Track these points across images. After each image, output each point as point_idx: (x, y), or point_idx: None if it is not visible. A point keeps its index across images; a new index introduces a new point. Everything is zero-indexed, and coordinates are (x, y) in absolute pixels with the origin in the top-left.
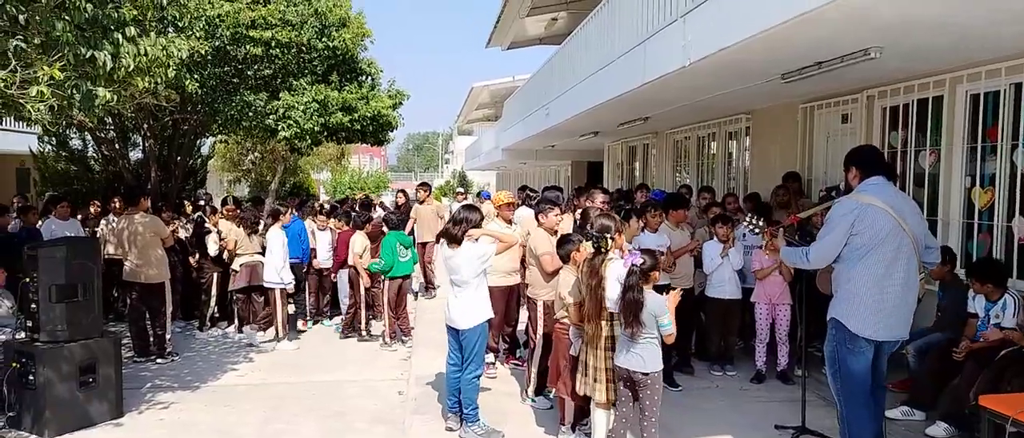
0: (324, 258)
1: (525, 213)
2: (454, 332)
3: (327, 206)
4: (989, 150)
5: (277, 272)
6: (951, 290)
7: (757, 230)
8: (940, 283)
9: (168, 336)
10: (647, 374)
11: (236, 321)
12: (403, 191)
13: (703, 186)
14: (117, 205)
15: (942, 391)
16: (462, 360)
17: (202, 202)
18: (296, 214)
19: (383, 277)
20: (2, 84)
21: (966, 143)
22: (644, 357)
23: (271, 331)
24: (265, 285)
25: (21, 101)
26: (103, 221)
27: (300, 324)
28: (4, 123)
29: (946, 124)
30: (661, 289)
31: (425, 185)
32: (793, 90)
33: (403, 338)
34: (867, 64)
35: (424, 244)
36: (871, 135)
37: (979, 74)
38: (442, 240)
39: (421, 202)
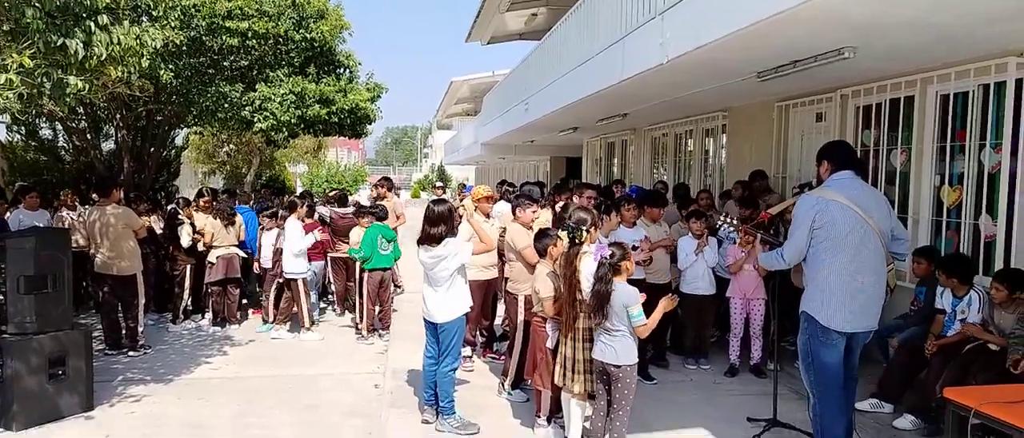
0: (265, 257)
1: (503, 208)
2: (432, 325)
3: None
4: (958, 149)
5: (296, 262)
6: (932, 288)
7: (732, 228)
8: (920, 280)
9: (140, 328)
10: (619, 366)
11: (210, 314)
12: (386, 178)
13: (678, 183)
14: (95, 197)
15: (911, 384)
16: (439, 353)
17: (174, 194)
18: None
19: (364, 269)
20: None
21: (936, 142)
22: (617, 349)
23: (282, 327)
24: (286, 276)
25: None
26: (72, 213)
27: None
28: None
29: (917, 124)
30: (637, 283)
31: (385, 180)
32: (769, 88)
33: (380, 332)
34: (841, 63)
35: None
36: (845, 133)
37: (949, 75)
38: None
39: (380, 198)
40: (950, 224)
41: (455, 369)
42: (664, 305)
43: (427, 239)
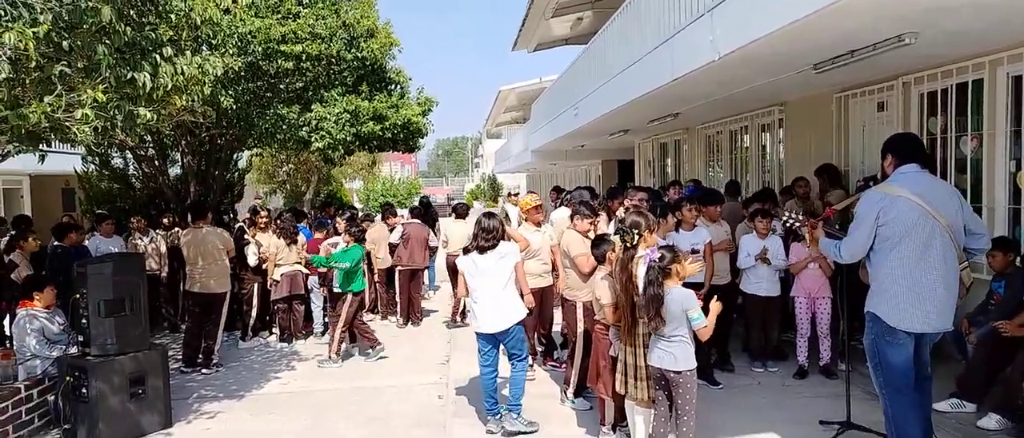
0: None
1: (560, 214)
2: (486, 337)
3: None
4: None
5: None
6: (1014, 280)
7: (798, 223)
8: (997, 273)
9: (217, 347)
10: (679, 372)
11: (277, 330)
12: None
13: (729, 181)
14: (166, 221)
15: (994, 382)
16: (510, 356)
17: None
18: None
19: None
20: (49, 109)
21: (1009, 126)
22: (676, 355)
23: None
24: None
25: (67, 124)
26: (145, 238)
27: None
28: (50, 145)
29: (987, 108)
30: (695, 287)
31: (388, 207)
32: (826, 80)
33: (368, 350)
34: (902, 50)
35: (383, 270)
36: (908, 122)
37: (1021, 55)
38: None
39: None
40: None
41: (525, 369)
42: (715, 308)
43: (485, 245)
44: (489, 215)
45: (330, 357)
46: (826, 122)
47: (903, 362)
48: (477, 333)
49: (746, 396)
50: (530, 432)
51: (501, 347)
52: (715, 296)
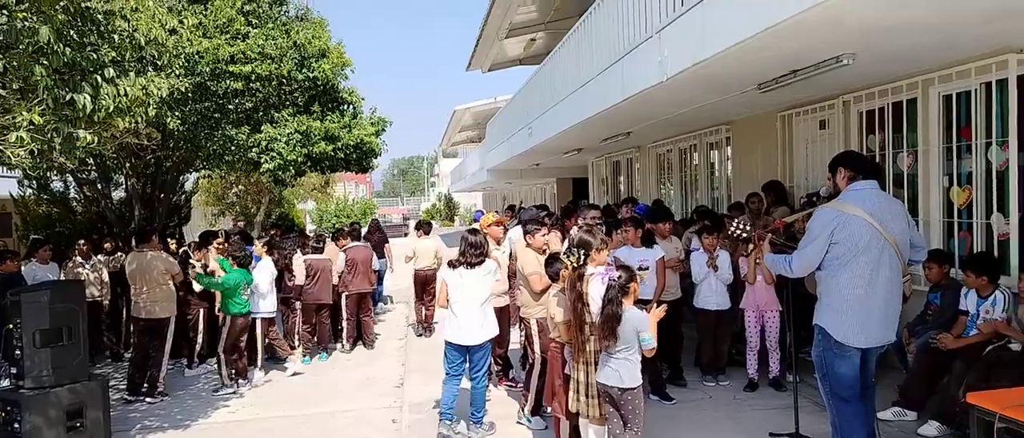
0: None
1: (516, 233)
2: (457, 348)
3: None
4: (965, 149)
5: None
6: (947, 291)
7: (745, 233)
8: (933, 285)
9: (161, 374)
10: (624, 390)
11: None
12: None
13: (734, 203)
14: (108, 246)
15: (933, 390)
16: (461, 372)
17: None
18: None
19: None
20: None
21: (942, 143)
22: (622, 373)
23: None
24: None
25: (1, 147)
26: (87, 264)
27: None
28: None
29: (921, 125)
30: (641, 304)
31: (340, 232)
32: (770, 99)
33: (242, 380)
34: (842, 70)
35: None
36: (849, 140)
37: (950, 75)
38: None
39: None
40: (962, 225)
41: (486, 383)
42: (657, 314)
43: (474, 261)
44: (473, 232)
45: (224, 383)
46: (771, 140)
47: (850, 374)
48: (448, 342)
49: (698, 410)
50: (491, 434)
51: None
52: (656, 304)
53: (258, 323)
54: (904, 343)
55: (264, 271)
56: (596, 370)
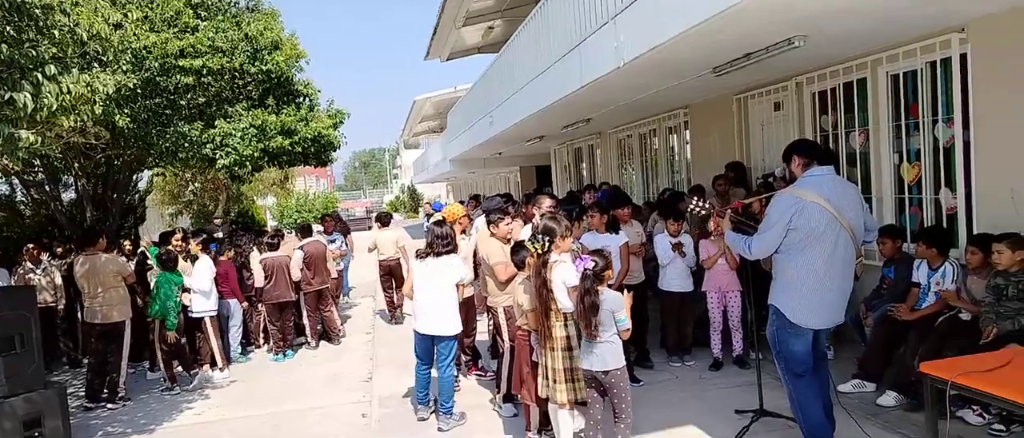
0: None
1: (480, 223)
2: (421, 336)
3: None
4: (913, 127)
5: (203, 301)
6: (900, 265)
7: (704, 212)
8: (887, 259)
9: (122, 379)
10: (608, 372)
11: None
12: (331, 215)
13: (694, 185)
14: (59, 250)
15: (890, 362)
16: (429, 359)
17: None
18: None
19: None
20: None
21: (891, 121)
22: (605, 356)
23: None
24: (193, 315)
25: None
26: (37, 269)
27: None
28: None
29: (871, 105)
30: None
31: (304, 227)
32: (726, 83)
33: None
34: (793, 52)
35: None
36: (803, 120)
37: (897, 55)
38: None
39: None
40: (912, 200)
41: (453, 375)
42: (627, 300)
43: (441, 250)
44: (440, 223)
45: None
46: (727, 123)
47: (803, 350)
48: (414, 331)
49: (665, 391)
50: (463, 423)
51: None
52: (626, 290)
53: (208, 323)
54: (862, 317)
55: (202, 270)
56: (563, 355)
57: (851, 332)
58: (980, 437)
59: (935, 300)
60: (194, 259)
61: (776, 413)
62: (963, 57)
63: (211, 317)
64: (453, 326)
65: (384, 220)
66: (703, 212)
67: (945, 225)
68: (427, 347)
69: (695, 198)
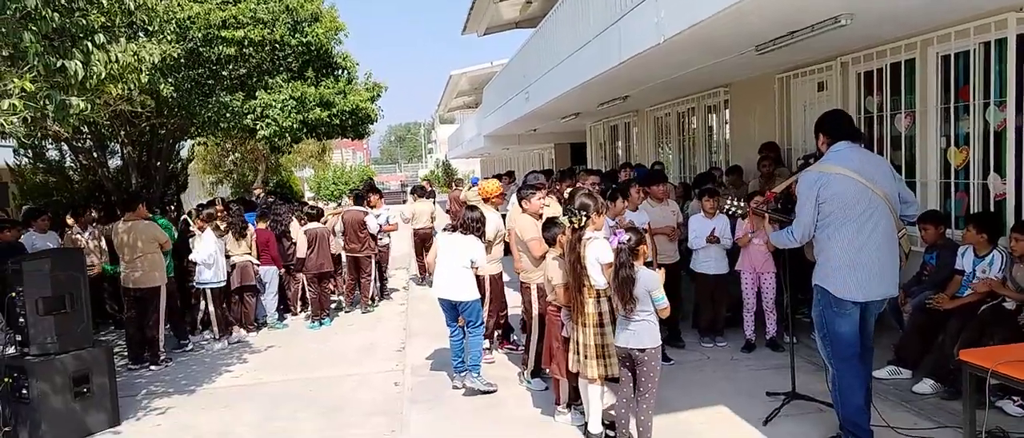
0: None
1: (513, 200)
2: (444, 303)
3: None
4: (962, 110)
5: (206, 272)
6: (944, 252)
7: (740, 210)
8: (929, 246)
9: (161, 340)
10: (644, 350)
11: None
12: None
13: (732, 166)
14: (96, 215)
15: (928, 349)
16: (466, 326)
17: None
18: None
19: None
20: None
21: (940, 104)
22: (641, 334)
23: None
24: (198, 286)
25: None
26: (84, 233)
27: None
28: None
29: (919, 86)
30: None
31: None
32: (768, 61)
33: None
34: (839, 31)
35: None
36: (847, 102)
37: (949, 35)
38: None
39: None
40: (959, 185)
41: (482, 336)
42: (662, 278)
43: (468, 229)
44: (472, 209)
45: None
46: (769, 102)
47: (850, 332)
48: (438, 298)
49: (697, 371)
50: (489, 391)
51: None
52: (659, 268)
53: (208, 294)
54: (900, 303)
55: (205, 243)
56: (594, 331)
57: (888, 318)
58: (1018, 427)
59: (978, 285)
60: (236, 226)
61: (809, 396)
62: (1020, 37)
63: (213, 289)
64: (469, 292)
65: (420, 193)
66: (740, 212)
67: (993, 211)
68: (452, 313)
69: (730, 198)
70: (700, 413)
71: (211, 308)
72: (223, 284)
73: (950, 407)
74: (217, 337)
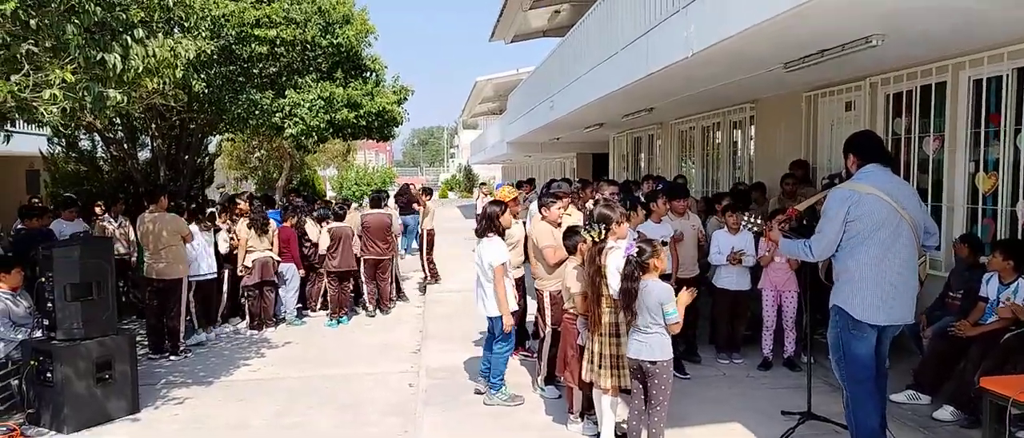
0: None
1: (535, 207)
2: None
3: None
4: (992, 135)
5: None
6: (976, 271)
7: (756, 227)
8: (967, 266)
9: (182, 331)
10: (655, 362)
11: (247, 317)
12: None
13: (756, 183)
14: (120, 207)
15: (948, 375)
16: (490, 338)
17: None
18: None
19: None
20: (16, 88)
21: (969, 128)
22: (653, 346)
23: None
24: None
25: (34, 105)
26: (113, 222)
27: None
28: (14, 125)
29: (949, 110)
30: (665, 278)
31: (346, 203)
32: (796, 78)
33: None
34: (870, 51)
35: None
36: (875, 122)
37: (982, 59)
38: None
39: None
40: (986, 211)
41: (507, 352)
42: (685, 298)
43: (479, 232)
44: (495, 203)
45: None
46: (796, 120)
47: (866, 354)
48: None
49: (712, 387)
50: (512, 406)
51: None
52: (684, 287)
53: (182, 286)
54: (920, 328)
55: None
56: (610, 342)
57: (908, 342)
58: None
59: (1003, 310)
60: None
61: (825, 418)
62: None
63: (194, 282)
64: (491, 306)
65: (428, 193)
66: (756, 229)
67: (1021, 238)
68: (490, 326)
69: (747, 214)
70: (713, 429)
71: (183, 304)
72: (205, 278)
73: (969, 435)
74: (197, 329)
